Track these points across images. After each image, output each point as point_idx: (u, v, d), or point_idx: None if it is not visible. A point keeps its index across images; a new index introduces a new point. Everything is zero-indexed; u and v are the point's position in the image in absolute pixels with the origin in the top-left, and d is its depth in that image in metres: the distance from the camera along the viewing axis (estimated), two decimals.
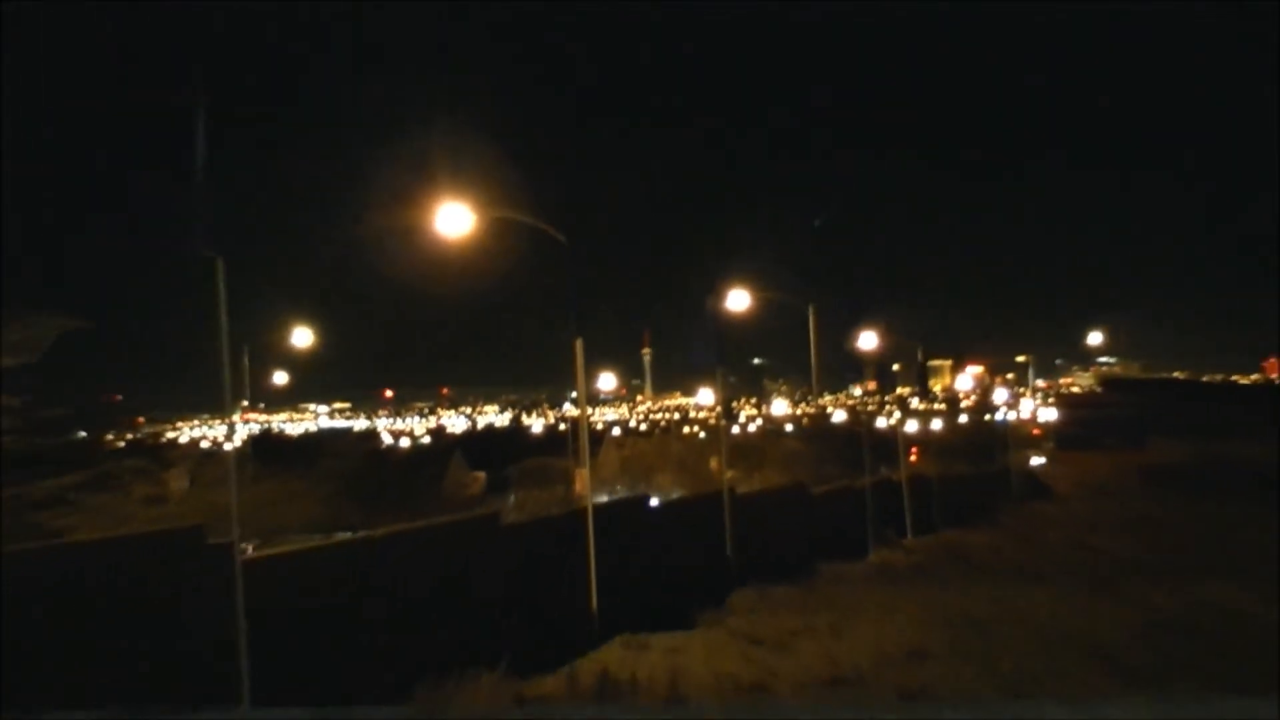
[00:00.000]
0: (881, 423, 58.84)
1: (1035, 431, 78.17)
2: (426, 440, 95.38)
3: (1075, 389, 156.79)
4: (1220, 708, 2.41)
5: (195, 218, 9.25)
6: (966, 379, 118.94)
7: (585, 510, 15.63)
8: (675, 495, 34.07)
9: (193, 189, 9.14)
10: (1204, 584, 16.62)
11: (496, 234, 16.74)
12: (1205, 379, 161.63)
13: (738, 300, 24.27)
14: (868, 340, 33.92)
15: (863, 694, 9.79)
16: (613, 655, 12.19)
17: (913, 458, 41.46)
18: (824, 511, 27.38)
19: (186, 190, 9.15)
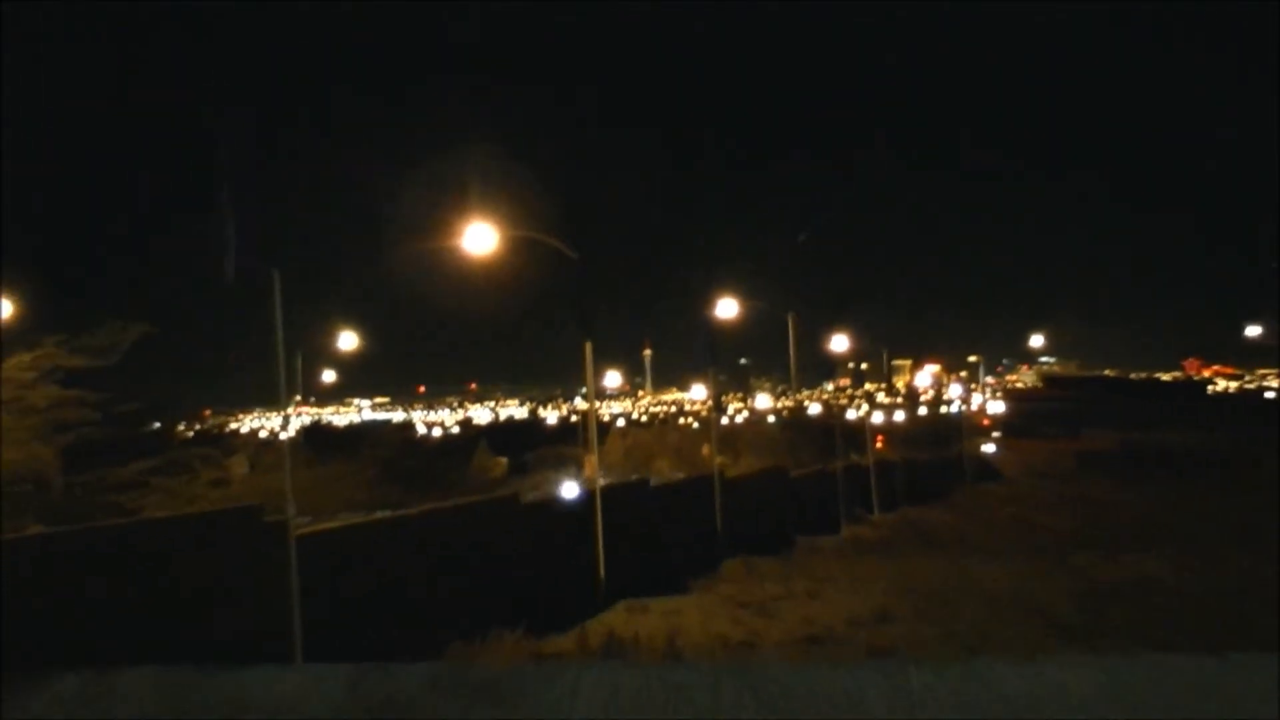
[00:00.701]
0: (851, 414, 58.73)
1: (985, 422, 77.94)
2: (456, 430, 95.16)
3: (1020, 385, 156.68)
4: (1165, 664, 2.36)
5: (254, 235, 9.23)
6: (925, 376, 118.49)
7: (594, 491, 15.63)
8: (672, 478, 34.00)
9: (251, 209, 9.12)
10: (1130, 555, 16.61)
11: (517, 247, 16.68)
12: (1132, 376, 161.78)
13: (727, 308, 24.30)
14: (839, 342, 33.90)
15: (836, 652, 9.77)
16: (618, 617, 12.17)
17: (879, 445, 41.34)
18: (801, 492, 27.35)
19: (246, 209, 9.13)
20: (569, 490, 18.00)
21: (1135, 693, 2.29)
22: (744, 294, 25.04)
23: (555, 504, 18.02)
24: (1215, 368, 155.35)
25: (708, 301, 24.05)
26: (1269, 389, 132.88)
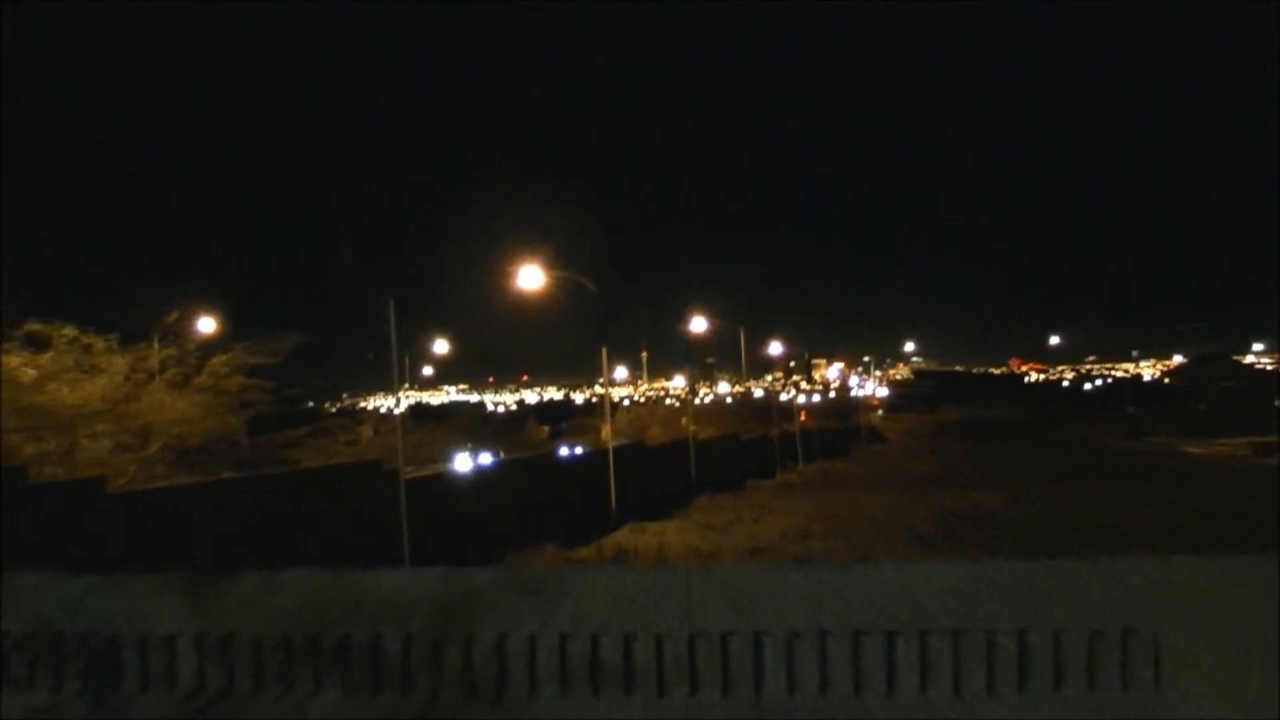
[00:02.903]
0: (783, 397, 58.47)
1: (874, 402, 77.67)
2: (514, 408, 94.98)
3: (898, 377, 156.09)
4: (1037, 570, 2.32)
5: (375, 272, 9.19)
6: (834, 370, 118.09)
7: (608, 449, 15.60)
8: (660, 441, 33.89)
9: (372, 252, 9.07)
10: (972, 491, 16.56)
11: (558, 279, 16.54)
12: (974, 370, 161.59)
13: (698, 324, 24.37)
14: (775, 347, 34.03)
15: (771, 558, 9.74)
16: (624, 536, 12.13)
17: (802, 418, 41.22)
18: (749, 449, 27.31)
19: (368, 252, 9.07)
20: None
21: (977, 589, 2.27)
22: (712, 311, 25.18)
23: (581, 458, 17.96)
24: (1030, 364, 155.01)
25: (686, 318, 24.26)
26: (1065, 379, 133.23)
